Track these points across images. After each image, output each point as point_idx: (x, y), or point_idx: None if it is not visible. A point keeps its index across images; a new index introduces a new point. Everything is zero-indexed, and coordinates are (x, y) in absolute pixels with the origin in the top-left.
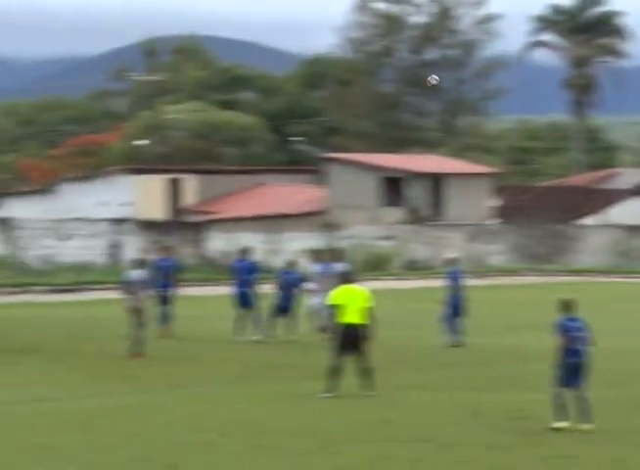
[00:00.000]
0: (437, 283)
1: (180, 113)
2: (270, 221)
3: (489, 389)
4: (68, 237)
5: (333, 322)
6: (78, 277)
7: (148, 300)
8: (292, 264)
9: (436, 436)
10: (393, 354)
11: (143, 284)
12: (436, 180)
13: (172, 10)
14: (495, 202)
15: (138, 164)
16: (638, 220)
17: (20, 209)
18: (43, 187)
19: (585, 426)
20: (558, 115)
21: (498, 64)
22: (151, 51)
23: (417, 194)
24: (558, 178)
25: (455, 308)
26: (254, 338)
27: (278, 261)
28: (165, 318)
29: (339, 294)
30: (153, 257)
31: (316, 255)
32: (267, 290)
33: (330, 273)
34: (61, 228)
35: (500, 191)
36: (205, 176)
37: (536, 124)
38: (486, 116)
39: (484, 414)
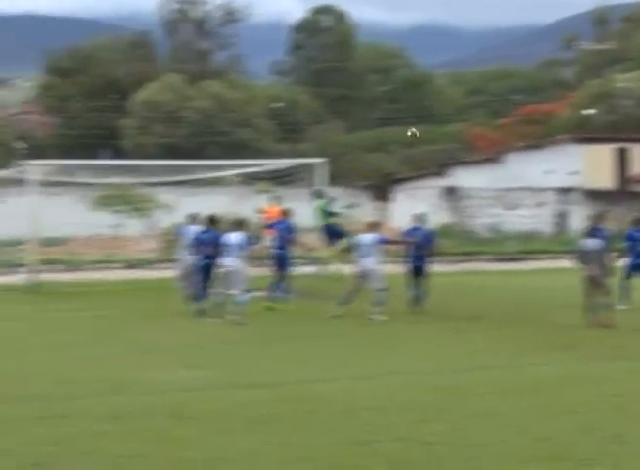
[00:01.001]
0: None
1: (629, 81)
2: None
3: None
4: (515, 206)
5: None
6: (524, 246)
7: (604, 268)
8: None
9: None
10: None
11: (598, 252)
12: None
13: None
14: None
15: (586, 133)
16: None
17: (467, 178)
18: (490, 156)
19: None
20: None
21: None
22: (601, 19)
23: None
24: None
25: None
26: None
27: None
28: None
29: None
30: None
31: None
32: None
33: None
34: (507, 197)
35: None
36: None
37: None
38: None
39: None
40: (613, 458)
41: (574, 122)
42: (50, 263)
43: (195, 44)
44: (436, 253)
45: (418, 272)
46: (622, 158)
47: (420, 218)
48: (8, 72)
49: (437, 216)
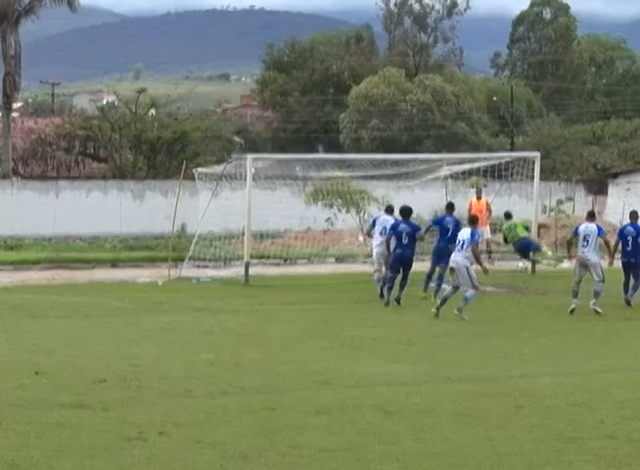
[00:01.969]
0: None
1: None
2: None
3: None
4: None
5: None
6: None
7: None
8: None
9: None
10: None
11: None
12: None
13: None
14: None
15: None
16: None
17: None
18: None
19: None
20: None
21: None
22: None
23: None
24: None
25: None
26: None
27: None
28: None
29: None
30: None
31: None
32: None
33: None
34: None
35: None
36: None
37: None
38: None
39: None
40: None
41: None
42: (262, 257)
43: (414, 38)
44: None
45: (630, 267)
46: None
47: (635, 216)
48: (229, 67)
49: None
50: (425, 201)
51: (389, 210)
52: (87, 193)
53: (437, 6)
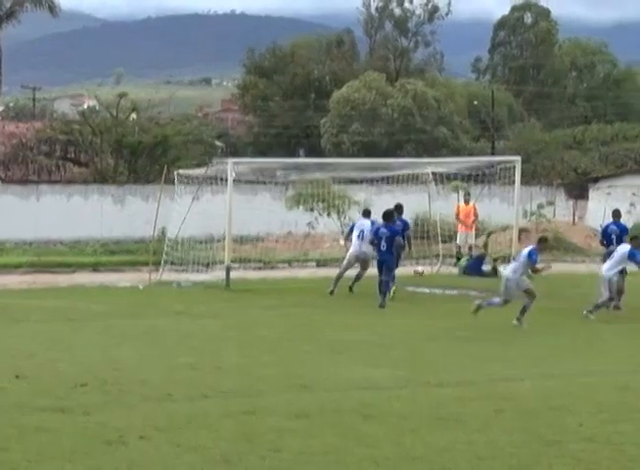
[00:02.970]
0: None
1: None
2: None
3: None
4: None
5: None
6: None
7: None
8: None
9: None
10: None
11: None
12: None
13: None
14: None
15: None
16: None
17: None
18: None
19: None
20: None
21: None
22: None
23: None
24: None
25: None
26: None
27: None
28: None
29: None
30: None
31: None
32: None
33: None
34: None
35: None
36: None
37: None
38: None
39: None
40: None
41: None
42: (243, 261)
43: (395, 42)
44: None
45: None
46: None
47: (617, 214)
48: (210, 71)
49: (635, 216)
50: (406, 205)
51: (367, 213)
52: (68, 197)
53: (419, 11)
